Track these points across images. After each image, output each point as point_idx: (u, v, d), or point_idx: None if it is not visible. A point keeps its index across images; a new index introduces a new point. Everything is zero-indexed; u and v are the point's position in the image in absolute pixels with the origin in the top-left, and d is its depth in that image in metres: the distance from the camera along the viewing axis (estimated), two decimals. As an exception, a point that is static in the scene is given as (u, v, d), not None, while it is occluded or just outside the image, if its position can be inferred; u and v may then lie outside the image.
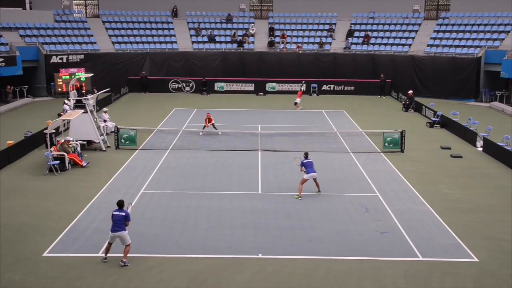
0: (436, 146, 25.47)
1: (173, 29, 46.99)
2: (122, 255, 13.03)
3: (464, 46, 41.06)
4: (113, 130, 25.62)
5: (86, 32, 44.13)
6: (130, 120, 29.20)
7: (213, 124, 27.27)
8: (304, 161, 18.05)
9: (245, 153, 23.78)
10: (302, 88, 37.12)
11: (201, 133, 27.20)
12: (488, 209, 17.15)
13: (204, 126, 27.35)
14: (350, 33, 46.09)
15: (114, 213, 13.15)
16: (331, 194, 18.35)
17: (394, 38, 44.99)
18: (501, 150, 22.94)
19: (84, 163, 21.59)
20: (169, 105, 36.02)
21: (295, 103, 34.88)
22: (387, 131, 24.82)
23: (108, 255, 13.32)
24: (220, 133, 27.11)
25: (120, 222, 12.98)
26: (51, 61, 39.11)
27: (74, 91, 25.31)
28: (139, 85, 41.89)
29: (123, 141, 24.51)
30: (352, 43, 44.98)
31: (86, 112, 23.94)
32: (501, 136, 24.92)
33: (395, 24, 46.72)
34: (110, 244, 13.15)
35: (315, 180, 18.11)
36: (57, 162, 20.64)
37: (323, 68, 43.01)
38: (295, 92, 41.27)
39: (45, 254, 13.59)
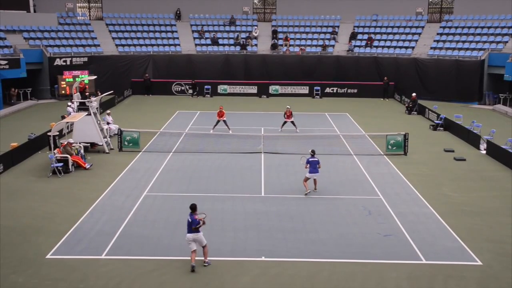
0: (439, 149, 25.42)
1: (176, 31, 47.05)
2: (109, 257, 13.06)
3: (467, 49, 40.98)
4: (116, 132, 25.66)
5: (90, 34, 44.24)
6: (133, 123, 29.23)
7: (224, 121, 27.62)
8: (310, 159, 18.30)
9: (248, 156, 23.78)
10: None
11: (211, 131, 27.33)
12: (492, 212, 17.10)
13: (218, 121, 27.62)
14: (353, 36, 46.08)
15: (188, 217, 13.04)
16: (334, 197, 18.33)
17: (397, 40, 44.98)
18: (505, 153, 22.88)
19: (87, 165, 21.63)
20: (172, 108, 36.05)
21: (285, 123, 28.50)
22: (390, 134, 24.79)
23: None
24: (230, 132, 27.37)
25: (189, 226, 12.94)
26: (54, 64, 39.21)
27: (78, 93, 25.39)
28: (142, 88, 41.97)
29: (126, 143, 24.54)
30: (355, 46, 44.96)
31: (89, 114, 24.00)
32: (505, 139, 24.87)
33: (398, 27, 46.72)
34: (192, 251, 12.91)
35: (314, 179, 18.48)
36: (61, 164, 20.68)
37: (326, 70, 42.96)
38: (298, 95, 41.57)
39: (48, 256, 13.61)
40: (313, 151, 18.63)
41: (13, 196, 18.21)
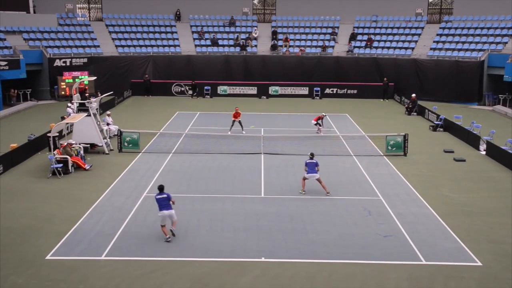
0: (439, 149, 25.43)
1: (176, 32, 47.08)
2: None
3: (467, 50, 41.01)
4: (116, 133, 25.66)
5: (90, 35, 44.25)
6: (133, 123, 29.22)
7: (239, 121, 27.65)
8: (307, 161, 18.48)
9: (248, 157, 23.78)
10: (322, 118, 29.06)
11: (229, 132, 27.39)
12: (492, 212, 17.11)
13: (233, 121, 27.67)
14: (353, 37, 46.10)
15: (157, 197, 14.49)
16: (334, 198, 18.32)
17: (397, 41, 44.99)
18: (505, 154, 22.89)
19: (87, 166, 21.63)
20: (172, 108, 36.06)
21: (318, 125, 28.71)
22: (390, 135, 24.80)
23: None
24: (244, 132, 27.45)
25: (165, 203, 14.37)
26: (54, 65, 39.22)
27: (78, 94, 25.43)
28: (142, 89, 42.00)
29: (126, 144, 24.53)
30: (355, 47, 44.97)
31: (89, 115, 24.01)
32: (505, 140, 24.88)
33: (398, 28, 46.74)
34: (163, 226, 14.50)
35: (319, 181, 18.41)
36: (60, 165, 20.67)
37: (326, 71, 42.98)
38: (298, 96, 41.59)
39: (48, 257, 13.61)
40: (312, 154, 18.77)
41: (13, 197, 18.21)
